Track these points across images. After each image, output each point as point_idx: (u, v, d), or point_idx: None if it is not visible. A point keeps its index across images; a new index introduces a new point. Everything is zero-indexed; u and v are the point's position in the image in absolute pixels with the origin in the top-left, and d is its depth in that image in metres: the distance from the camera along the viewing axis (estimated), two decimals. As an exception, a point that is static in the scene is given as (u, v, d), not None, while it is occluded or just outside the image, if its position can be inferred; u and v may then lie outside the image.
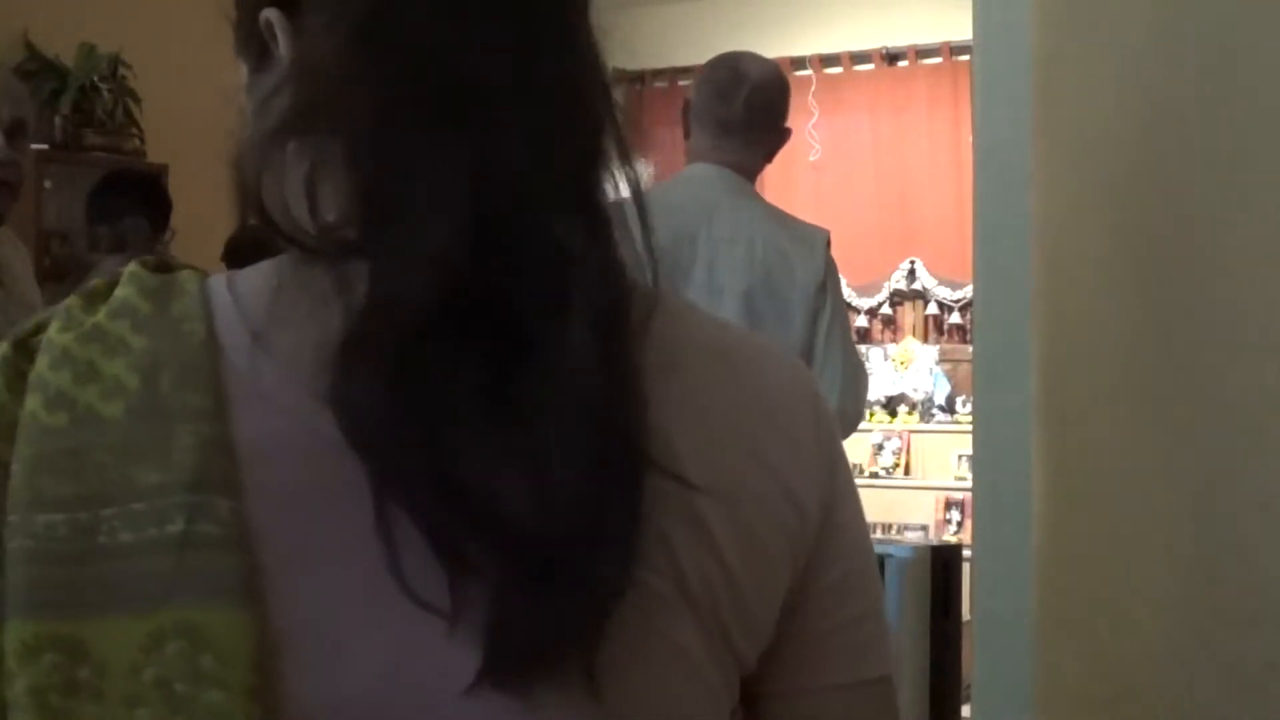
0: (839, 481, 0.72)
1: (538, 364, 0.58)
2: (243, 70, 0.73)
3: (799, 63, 5.99)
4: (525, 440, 0.58)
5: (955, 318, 5.76)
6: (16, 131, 2.34)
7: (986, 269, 1.55)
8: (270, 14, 0.67)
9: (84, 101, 4.37)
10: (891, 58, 5.89)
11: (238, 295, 0.65)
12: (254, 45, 0.70)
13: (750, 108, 2.52)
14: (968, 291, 5.40)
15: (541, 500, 0.57)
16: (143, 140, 4.55)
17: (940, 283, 5.74)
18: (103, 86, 4.42)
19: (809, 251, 2.53)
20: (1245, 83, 0.83)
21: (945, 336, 5.81)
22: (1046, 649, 1.25)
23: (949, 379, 5.69)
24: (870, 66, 5.92)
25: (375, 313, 0.59)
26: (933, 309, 5.81)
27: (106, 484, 0.59)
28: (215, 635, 0.57)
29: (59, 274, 3.97)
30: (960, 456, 5.36)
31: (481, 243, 0.59)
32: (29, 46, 4.33)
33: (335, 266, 0.61)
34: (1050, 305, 1.23)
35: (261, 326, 0.63)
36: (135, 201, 3.56)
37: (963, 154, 5.43)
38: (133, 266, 0.66)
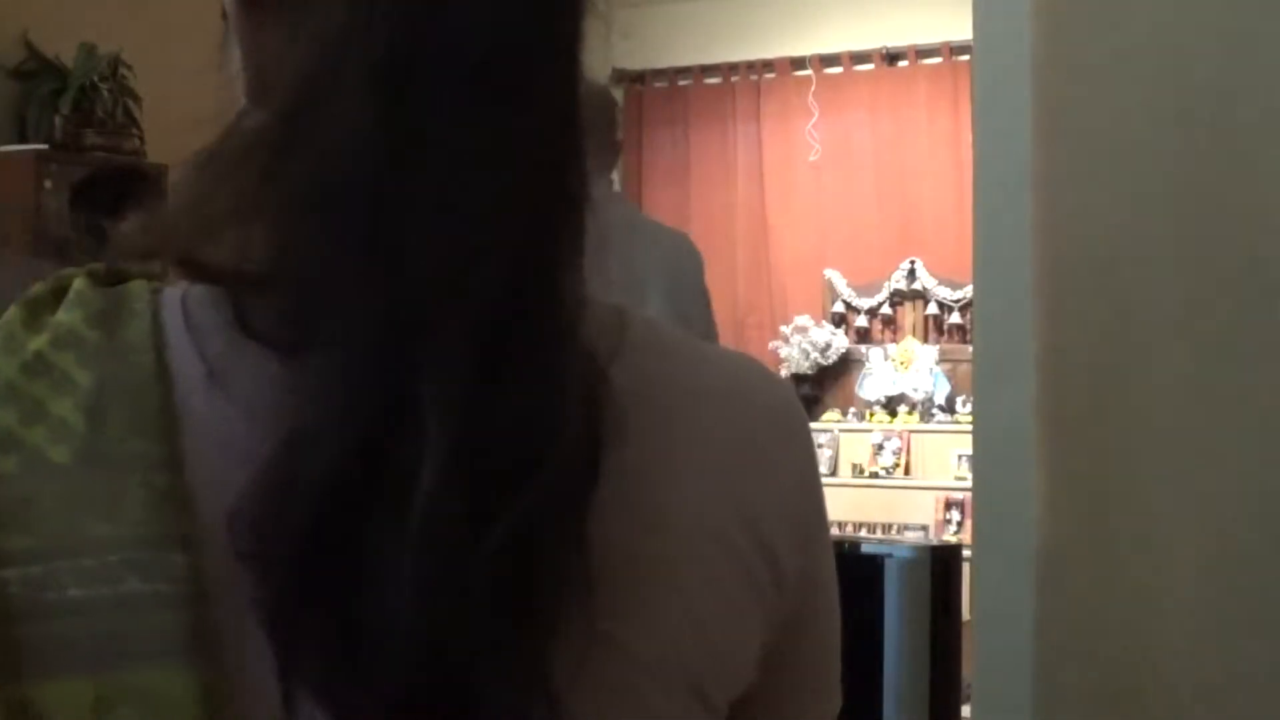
0: (819, 533, 0.67)
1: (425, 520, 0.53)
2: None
3: (799, 63, 6.00)
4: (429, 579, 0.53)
5: (955, 318, 5.76)
6: None
7: (986, 269, 1.55)
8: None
9: (84, 101, 4.37)
10: (891, 58, 5.89)
11: (191, 318, 0.59)
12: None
13: None
14: (968, 291, 5.40)
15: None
16: (143, 140, 4.54)
17: (940, 283, 5.75)
18: (103, 86, 4.41)
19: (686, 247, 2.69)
20: (1247, 81, 0.83)
21: (945, 336, 5.82)
22: (1046, 649, 1.25)
23: (949, 379, 5.69)
24: (870, 66, 5.93)
25: (285, 472, 0.54)
26: (933, 309, 5.82)
27: (55, 535, 0.55)
28: (167, 699, 0.53)
29: (59, 274, 3.96)
30: (960, 456, 5.36)
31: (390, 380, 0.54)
32: (29, 46, 4.32)
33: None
34: (1050, 305, 1.23)
35: (218, 359, 0.58)
36: (120, 198, 3.57)
37: (963, 154, 5.43)
38: (79, 281, 0.61)
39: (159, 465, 0.56)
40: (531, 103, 0.57)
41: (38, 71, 4.32)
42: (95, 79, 4.39)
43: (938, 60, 5.80)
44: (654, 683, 0.59)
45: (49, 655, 0.53)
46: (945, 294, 5.76)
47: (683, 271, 2.65)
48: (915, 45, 5.82)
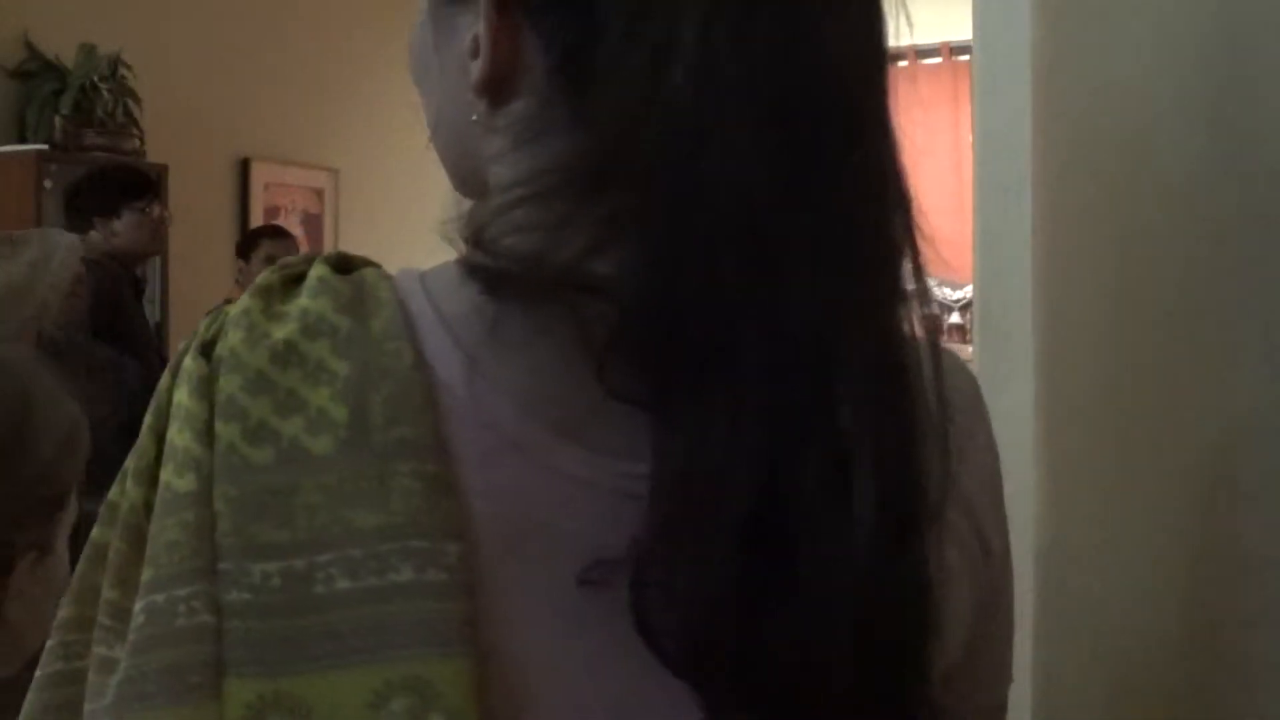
0: (1005, 511, 0.69)
1: (820, 555, 0.54)
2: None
3: (799, 63, 6.00)
4: (815, 634, 0.54)
5: (955, 318, 5.75)
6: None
7: (986, 269, 1.55)
8: None
9: (84, 101, 4.37)
10: (892, 58, 5.89)
11: (439, 305, 0.59)
12: None
13: None
14: (968, 291, 5.39)
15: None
16: (143, 140, 4.55)
17: (940, 283, 5.75)
18: (103, 86, 4.42)
19: None
20: (1248, 81, 0.83)
21: (945, 336, 5.81)
22: (1047, 649, 1.25)
23: (949, 379, 5.68)
24: (870, 66, 5.93)
25: (690, 513, 0.53)
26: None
27: (319, 528, 0.53)
28: (443, 689, 0.52)
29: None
30: (960, 456, 5.35)
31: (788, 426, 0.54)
32: (29, 46, 4.33)
33: (575, 309, 0.55)
34: (1050, 305, 1.23)
35: (476, 347, 0.57)
36: (116, 196, 3.58)
37: (963, 154, 5.43)
38: (320, 269, 0.59)
39: (428, 453, 0.55)
40: (889, 133, 0.59)
41: (38, 71, 4.33)
42: (95, 79, 4.40)
43: (938, 60, 5.79)
44: None
45: (318, 649, 0.52)
46: (945, 294, 5.76)
47: None
48: (915, 45, 5.82)
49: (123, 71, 4.50)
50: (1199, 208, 0.89)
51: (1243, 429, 0.82)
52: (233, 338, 0.57)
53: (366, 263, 0.62)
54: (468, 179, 0.65)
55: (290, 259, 0.61)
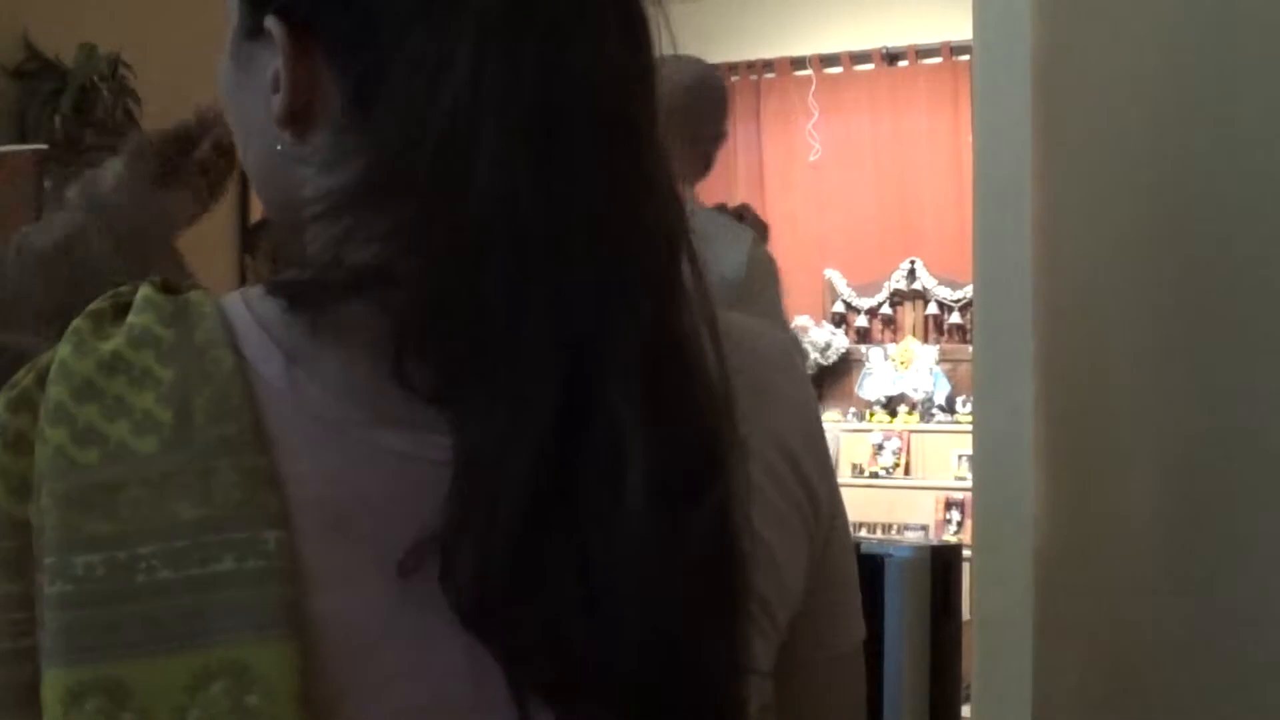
0: (830, 462, 0.74)
1: (604, 535, 0.58)
2: (228, 66, 0.70)
3: (799, 63, 5.99)
4: (612, 610, 0.57)
5: (955, 318, 5.75)
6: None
7: (986, 269, 1.55)
8: (271, 24, 0.64)
9: (84, 101, 4.37)
10: (891, 58, 5.89)
11: (257, 312, 0.63)
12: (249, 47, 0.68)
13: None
14: (968, 291, 5.40)
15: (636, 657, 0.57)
16: (143, 140, 4.54)
17: (940, 283, 5.74)
18: (103, 86, 4.42)
19: (731, 245, 2.59)
20: (1246, 81, 0.83)
21: (945, 336, 5.81)
22: (1046, 649, 1.25)
23: (949, 379, 5.68)
24: (870, 66, 5.92)
25: (479, 494, 0.57)
26: (933, 309, 5.81)
27: (142, 520, 0.57)
28: (261, 672, 0.55)
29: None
30: (960, 456, 5.36)
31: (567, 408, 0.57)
32: (29, 46, 4.33)
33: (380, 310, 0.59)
34: (1050, 305, 1.23)
35: (294, 348, 0.62)
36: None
37: (963, 154, 5.43)
38: (145, 290, 0.64)
39: (247, 448, 0.59)
40: (650, 141, 0.62)
41: (38, 71, 4.33)
42: (95, 79, 4.39)
43: (938, 60, 5.79)
44: None
45: (139, 635, 0.56)
46: (945, 294, 5.75)
47: (753, 293, 2.60)
48: (915, 45, 5.82)
49: (123, 71, 4.50)
50: (1199, 208, 0.89)
51: (1242, 428, 0.82)
52: (62, 352, 0.61)
53: (196, 287, 0.66)
54: (279, 206, 0.68)
55: (120, 289, 0.65)
